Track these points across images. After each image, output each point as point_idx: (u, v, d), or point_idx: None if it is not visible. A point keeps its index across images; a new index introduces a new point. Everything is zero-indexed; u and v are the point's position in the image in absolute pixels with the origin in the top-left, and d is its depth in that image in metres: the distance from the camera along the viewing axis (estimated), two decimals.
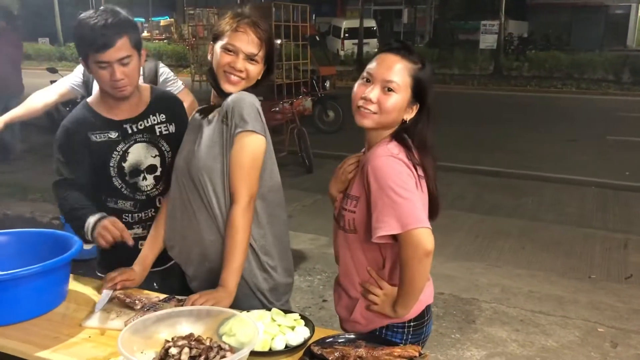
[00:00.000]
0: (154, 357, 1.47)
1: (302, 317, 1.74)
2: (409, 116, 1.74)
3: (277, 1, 8.08)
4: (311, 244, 5.10)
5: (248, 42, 1.86)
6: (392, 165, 1.65)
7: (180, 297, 1.88)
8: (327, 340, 1.62)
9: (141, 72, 2.82)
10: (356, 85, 1.75)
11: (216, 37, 1.90)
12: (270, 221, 1.97)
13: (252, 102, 1.86)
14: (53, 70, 9.32)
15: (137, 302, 1.82)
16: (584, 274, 4.65)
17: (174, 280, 2.18)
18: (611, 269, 4.74)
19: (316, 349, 1.54)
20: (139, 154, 2.13)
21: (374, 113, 1.70)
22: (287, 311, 1.78)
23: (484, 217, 6.06)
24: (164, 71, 3.39)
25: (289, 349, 1.59)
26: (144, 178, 2.14)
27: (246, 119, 1.82)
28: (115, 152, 2.10)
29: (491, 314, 3.92)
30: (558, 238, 5.44)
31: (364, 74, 1.74)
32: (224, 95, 1.90)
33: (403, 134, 1.73)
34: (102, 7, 2.00)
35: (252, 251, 1.92)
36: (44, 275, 1.75)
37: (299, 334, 1.64)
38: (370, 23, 24.92)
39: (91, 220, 1.95)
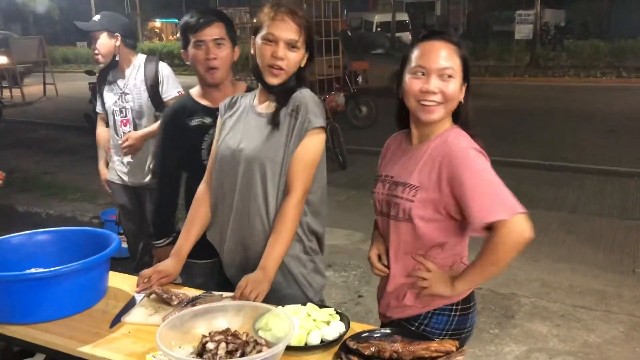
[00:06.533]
0: (192, 351, 1.49)
1: (337, 312, 1.74)
2: (462, 97, 1.74)
3: None
4: (346, 239, 5.10)
5: (286, 29, 1.88)
6: (481, 158, 1.67)
7: (216, 293, 1.89)
8: (363, 335, 1.61)
9: (143, 70, 3.06)
10: (408, 81, 1.71)
11: (256, 30, 1.93)
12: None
13: (319, 101, 1.95)
14: (91, 73, 9.55)
15: (174, 297, 1.85)
16: (627, 267, 4.52)
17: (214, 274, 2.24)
18: None
19: (352, 344, 1.54)
20: None
21: (440, 103, 1.68)
22: (322, 306, 1.78)
23: None
24: (165, 70, 3.29)
25: (325, 344, 1.59)
26: None
27: (319, 115, 1.89)
28: (207, 136, 2.25)
29: (531, 308, 3.84)
30: (599, 231, 5.30)
31: (415, 68, 1.69)
32: (269, 88, 1.94)
33: (467, 122, 1.75)
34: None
35: (318, 245, 2.05)
36: (85, 272, 1.79)
37: (335, 328, 1.64)
38: (403, 17, 24.58)
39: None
